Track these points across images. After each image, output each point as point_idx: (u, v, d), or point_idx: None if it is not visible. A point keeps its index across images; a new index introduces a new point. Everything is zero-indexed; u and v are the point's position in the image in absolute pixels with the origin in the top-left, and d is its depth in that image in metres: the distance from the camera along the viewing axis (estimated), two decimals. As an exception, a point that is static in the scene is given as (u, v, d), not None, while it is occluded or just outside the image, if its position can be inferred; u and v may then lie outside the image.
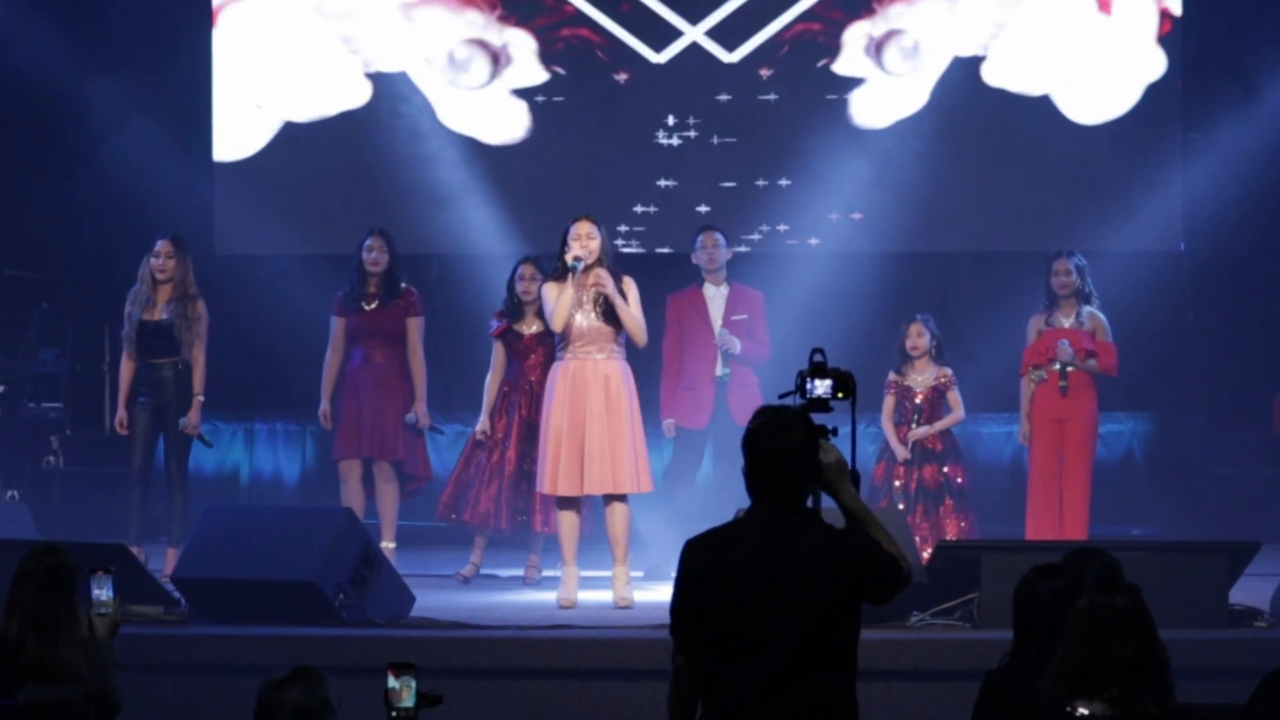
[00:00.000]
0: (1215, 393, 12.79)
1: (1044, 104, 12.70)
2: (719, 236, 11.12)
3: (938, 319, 10.96)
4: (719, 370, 10.96)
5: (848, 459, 4.94)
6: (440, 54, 12.92)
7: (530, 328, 10.68)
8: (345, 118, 12.96)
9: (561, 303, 9.38)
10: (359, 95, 12.98)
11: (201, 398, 10.56)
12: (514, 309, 10.73)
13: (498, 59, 12.94)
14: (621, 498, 9.42)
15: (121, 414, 10.64)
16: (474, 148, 12.87)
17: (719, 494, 10.81)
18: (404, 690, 4.61)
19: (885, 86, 12.78)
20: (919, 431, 10.67)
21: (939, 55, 12.75)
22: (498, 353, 10.76)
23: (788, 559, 4.76)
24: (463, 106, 12.96)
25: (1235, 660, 7.82)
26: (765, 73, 12.86)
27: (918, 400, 10.70)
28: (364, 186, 12.81)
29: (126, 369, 10.68)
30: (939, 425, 10.70)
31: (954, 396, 10.74)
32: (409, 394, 10.82)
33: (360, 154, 12.85)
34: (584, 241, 9.42)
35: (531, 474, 10.39)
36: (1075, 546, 6.13)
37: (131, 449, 10.61)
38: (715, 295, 11.09)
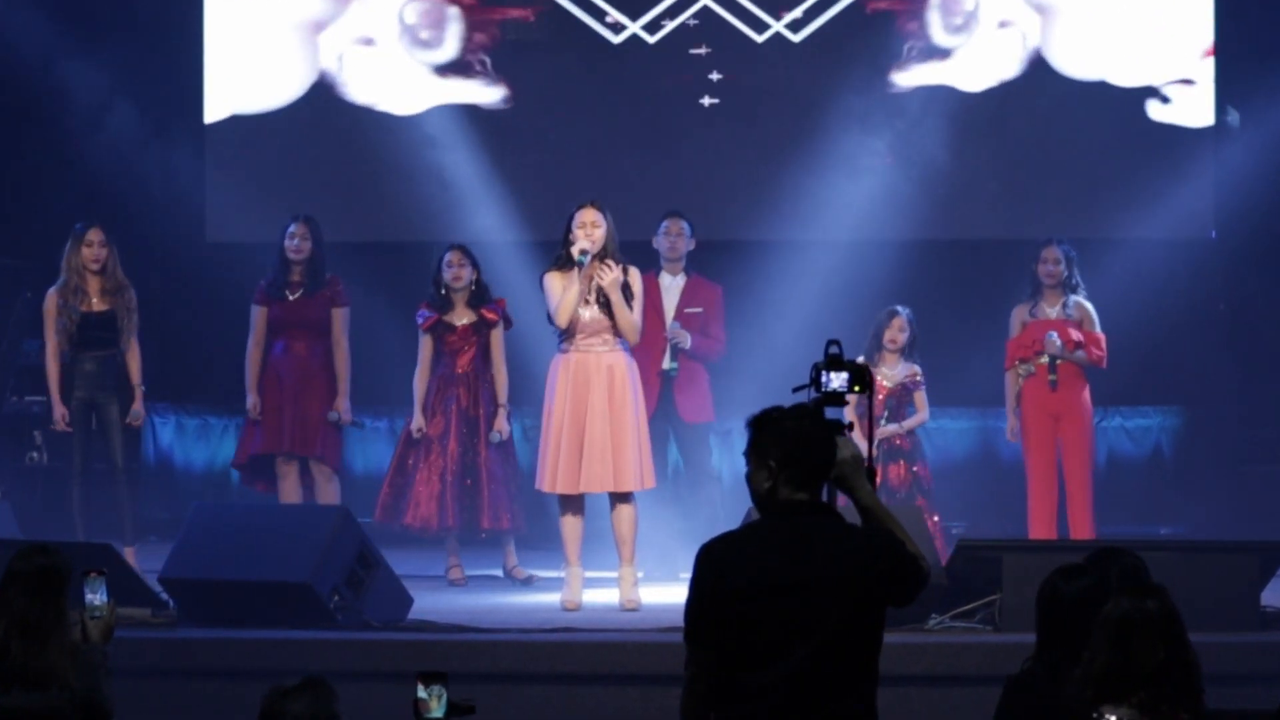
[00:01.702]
0: (1247, 386, 12.65)
1: (1085, 89, 12.46)
2: (684, 224, 10.89)
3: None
4: (666, 364, 10.72)
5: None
6: (423, 33, 12.76)
7: (462, 319, 10.45)
8: (344, 105, 12.79)
9: (567, 298, 9.20)
10: (356, 79, 12.81)
11: (144, 388, 10.38)
12: (442, 300, 10.49)
13: (468, 35, 12.76)
14: (627, 496, 9.26)
15: (62, 410, 10.39)
16: (472, 132, 12.65)
17: (691, 495, 10.73)
18: (434, 700, 4.52)
19: (922, 58, 12.49)
20: (886, 429, 10.43)
21: (983, 28, 12.47)
22: (425, 347, 10.49)
23: (811, 561, 4.63)
24: (458, 87, 12.77)
25: (1267, 665, 7.79)
26: (792, 24, 12.56)
27: (883, 395, 10.50)
28: (364, 172, 12.65)
29: (56, 363, 10.40)
30: (907, 424, 10.46)
31: (920, 397, 10.51)
32: (332, 387, 10.67)
33: (361, 139, 12.68)
34: (588, 230, 9.23)
35: (476, 467, 10.23)
36: (1100, 546, 6.00)
37: (73, 448, 10.42)
38: (671, 285, 10.85)
